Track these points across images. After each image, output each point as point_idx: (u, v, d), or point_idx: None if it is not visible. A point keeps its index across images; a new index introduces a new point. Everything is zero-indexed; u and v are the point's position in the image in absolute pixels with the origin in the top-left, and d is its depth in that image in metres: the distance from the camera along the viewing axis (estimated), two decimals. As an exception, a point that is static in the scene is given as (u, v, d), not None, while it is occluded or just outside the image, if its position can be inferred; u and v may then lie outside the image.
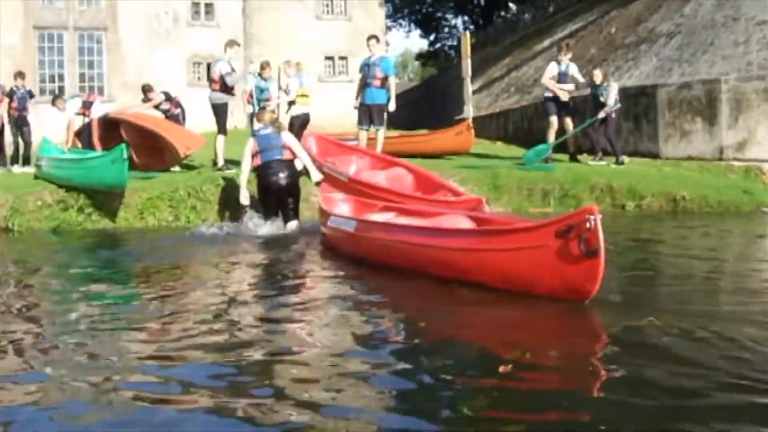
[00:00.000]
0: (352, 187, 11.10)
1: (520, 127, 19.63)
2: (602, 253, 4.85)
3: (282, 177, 9.90)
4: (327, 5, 32.82)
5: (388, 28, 45.58)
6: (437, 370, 3.92)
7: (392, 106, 13.22)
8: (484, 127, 22.56)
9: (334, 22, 32.49)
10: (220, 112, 13.09)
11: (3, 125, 15.06)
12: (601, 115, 13.59)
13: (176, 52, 30.77)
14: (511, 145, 18.97)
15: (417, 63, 61.82)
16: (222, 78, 12.96)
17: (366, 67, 13.34)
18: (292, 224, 10.09)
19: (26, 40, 29.12)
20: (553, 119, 14.08)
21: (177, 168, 13.44)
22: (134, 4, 30.23)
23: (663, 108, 14.84)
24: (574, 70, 14.15)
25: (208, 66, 26.68)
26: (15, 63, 28.71)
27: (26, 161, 15.06)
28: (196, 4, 31.77)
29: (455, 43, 43.57)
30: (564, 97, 14.04)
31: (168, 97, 15.41)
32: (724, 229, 10.24)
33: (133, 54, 30.36)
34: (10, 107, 15.02)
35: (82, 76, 29.60)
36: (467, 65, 18.01)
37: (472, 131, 15.09)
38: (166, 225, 11.26)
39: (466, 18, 43.32)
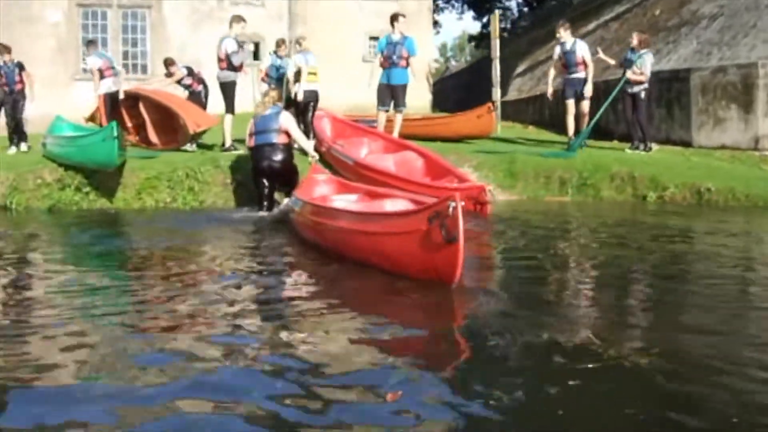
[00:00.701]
0: (357, 171, 10.84)
1: (555, 112, 18.84)
2: (461, 240, 4.91)
3: (274, 161, 9.62)
4: (373, -16, 32.29)
5: (441, 9, 44.90)
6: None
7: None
8: (521, 110, 21.97)
9: (380, 2, 31.88)
10: (227, 90, 12.82)
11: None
12: (629, 75, 12.99)
13: (220, 31, 30.44)
14: (543, 130, 18.30)
15: (473, 46, 60.83)
16: (228, 57, 12.68)
17: (391, 46, 12.85)
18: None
19: (70, 18, 29.20)
20: (569, 103, 13.44)
21: (193, 147, 13.17)
22: (179, -18, 30.08)
23: (696, 94, 14.04)
24: (582, 49, 13.36)
25: (255, 45, 26.46)
26: (59, 41, 28.93)
27: (22, 139, 13.94)
28: (241, -17, 31.51)
29: (509, 25, 42.72)
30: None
31: (190, 72, 15.08)
32: (745, 226, 9.44)
33: (176, 32, 30.17)
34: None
35: (125, 54, 29.49)
36: (496, 46, 17.43)
37: (494, 114, 14.47)
38: (164, 206, 10.97)
39: (519, 0, 42.41)
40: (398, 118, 13.02)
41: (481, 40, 46.10)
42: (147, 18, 30.00)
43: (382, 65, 12.93)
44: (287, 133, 9.65)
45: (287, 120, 9.77)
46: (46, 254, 7.60)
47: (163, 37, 30.15)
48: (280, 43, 14.06)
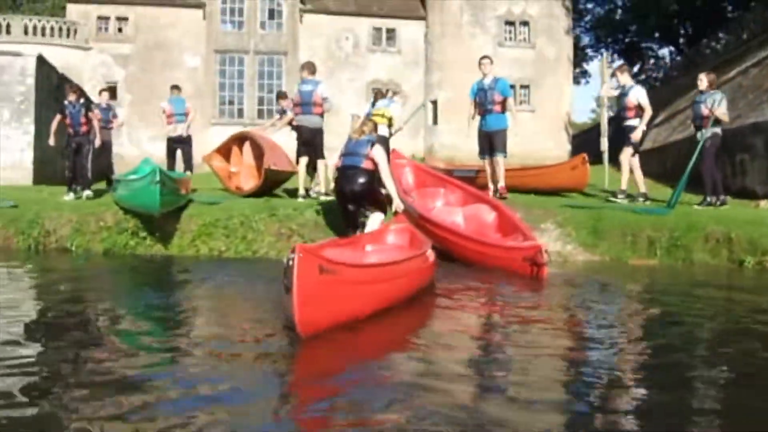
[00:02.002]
0: (420, 224, 10.29)
1: (677, 164, 17.57)
2: (294, 291, 4.90)
3: (356, 185, 9.05)
4: (510, 32, 31.63)
5: (590, 58, 43.76)
6: None
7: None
8: (647, 162, 20.50)
9: (517, 49, 31.21)
10: (319, 136, 12.33)
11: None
12: (718, 113, 11.90)
13: (356, 77, 30.64)
14: (659, 183, 16.97)
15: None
16: (324, 100, 12.22)
17: (482, 92, 12.37)
18: (376, 219, 9.27)
19: (207, 63, 30.00)
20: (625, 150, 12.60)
21: (280, 192, 13.04)
22: (315, 29, 30.51)
23: (818, 147, 12.59)
24: (637, 94, 12.41)
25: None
26: (196, 85, 29.73)
27: (87, 185, 13.38)
28: (377, 30, 31.60)
29: (661, 74, 41.04)
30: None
31: None
32: None
33: (311, 78, 30.33)
34: (66, 125, 13.13)
35: (260, 100, 30.09)
36: (607, 89, 16.34)
37: (588, 165, 13.45)
38: (218, 254, 10.58)
39: (672, 48, 40.65)
40: (500, 165, 12.37)
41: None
42: (283, 64, 30.48)
43: (478, 113, 12.44)
44: (374, 161, 9.09)
45: (378, 153, 9.15)
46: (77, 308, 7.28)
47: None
48: (376, 92, 13.89)
